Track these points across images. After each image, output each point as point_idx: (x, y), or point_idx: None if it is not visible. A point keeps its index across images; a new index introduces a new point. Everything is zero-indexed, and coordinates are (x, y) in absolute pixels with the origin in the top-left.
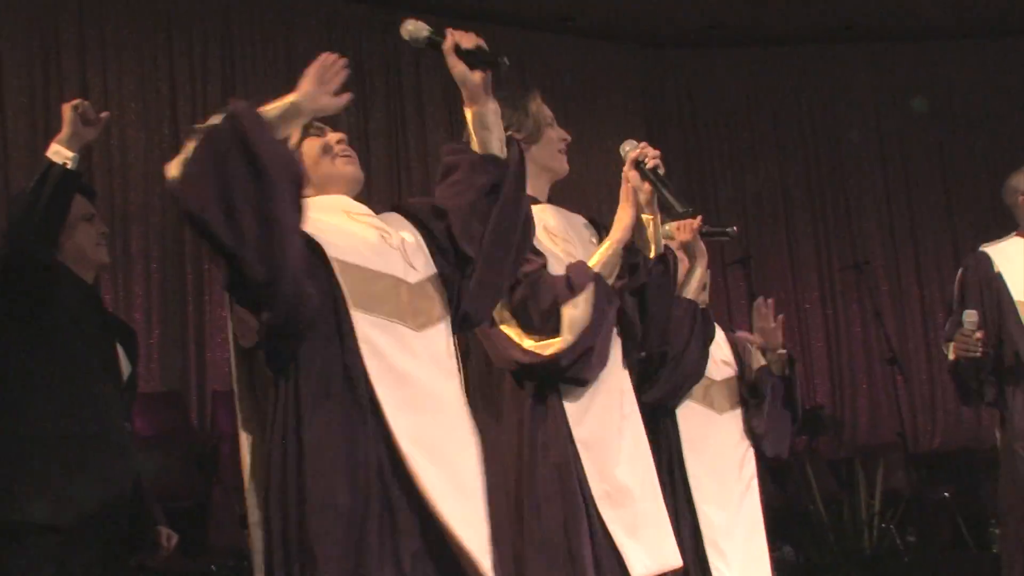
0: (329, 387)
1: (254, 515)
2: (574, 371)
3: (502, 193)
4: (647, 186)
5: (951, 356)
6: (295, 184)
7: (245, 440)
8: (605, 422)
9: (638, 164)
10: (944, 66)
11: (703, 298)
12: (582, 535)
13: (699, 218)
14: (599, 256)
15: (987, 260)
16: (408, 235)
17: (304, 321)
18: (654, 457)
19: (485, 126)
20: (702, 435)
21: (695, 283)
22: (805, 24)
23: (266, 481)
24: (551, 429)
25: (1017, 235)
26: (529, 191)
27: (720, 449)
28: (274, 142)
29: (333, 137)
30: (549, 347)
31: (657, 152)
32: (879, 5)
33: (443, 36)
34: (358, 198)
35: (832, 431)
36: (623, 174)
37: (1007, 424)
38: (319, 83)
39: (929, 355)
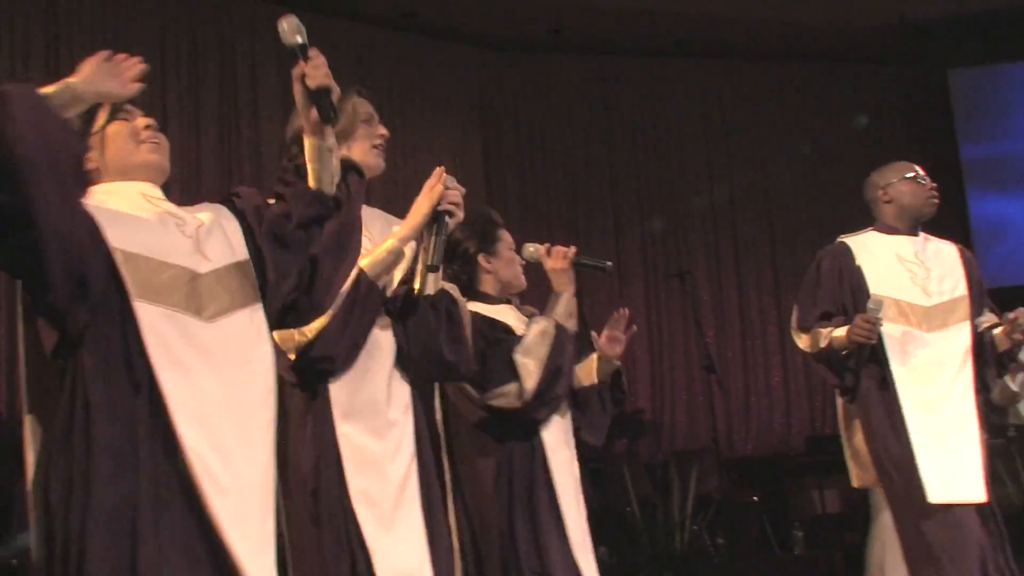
0: (110, 376)
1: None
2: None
3: (325, 231)
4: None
5: (822, 344)
6: (60, 162)
7: (30, 427)
8: (370, 422)
9: (436, 204)
10: (771, 85)
11: (571, 325)
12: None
13: (574, 248)
14: (374, 254)
15: (848, 251)
16: (209, 221)
17: (78, 302)
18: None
19: (318, 159)
20: (557, 441)
21: (561, 308)
22: (641, 37)
23: (46, 467)
24: (318, 424)
25: (874, 229)
26: None
27: (564, 453)
28: (40, 120)
29: (141, 122)
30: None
31: (460, 200)
32: (710, 24)
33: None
34: (188, 182)
35: (651, 435)
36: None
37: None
38: (101, 68)
39: (746, 364)
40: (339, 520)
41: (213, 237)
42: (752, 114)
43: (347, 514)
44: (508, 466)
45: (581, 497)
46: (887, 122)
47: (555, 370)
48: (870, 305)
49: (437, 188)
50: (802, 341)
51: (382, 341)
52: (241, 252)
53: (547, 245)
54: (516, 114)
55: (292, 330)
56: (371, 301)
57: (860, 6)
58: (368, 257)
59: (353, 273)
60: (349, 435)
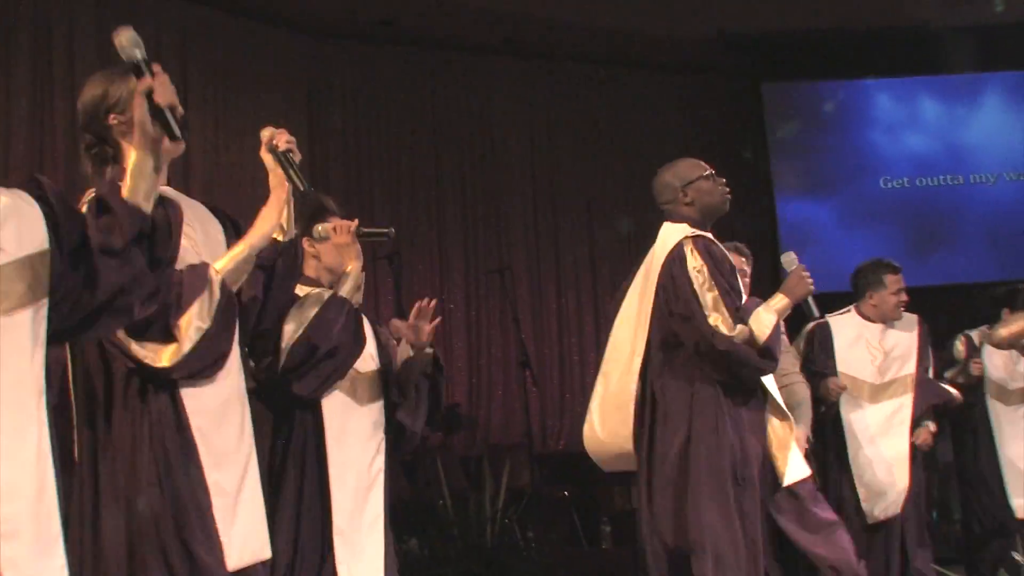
0: None
1: None
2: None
3: (145, 247)
4: (279, 170)
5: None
6: None
7: None
8: (223, 416)
9: (271, 148)
10: (595, 89)
11: (357, 298)
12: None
13: (356, 221)
14: (229, 258)
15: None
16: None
17: None
18: (287, 447)
19: (141, 175)
20: (344, 426)
21: (350, 283)
22: (470, 33)
23: None
24: (161, 418)
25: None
26: None
27: (357, 440)
28: None
29: None
30: (161, 356)
31: (292, 138)
32: (539, 25)
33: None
34: None
35: (467, 429)
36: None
37: None
38: None
39: (562, 361)
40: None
41: (14, 222)
42: (576, 115)
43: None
44: (283, 442)
45: (376, 486)
46: (704, 129)
47: (311, 344)
48: (785, 260)
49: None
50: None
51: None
52: (43, 243)
53: (333, 222)
54: (343, 103)
55: (155, 344)
56: (232, 309)
57: (683, 18)
58: (224, 262)
59: (217, 281)
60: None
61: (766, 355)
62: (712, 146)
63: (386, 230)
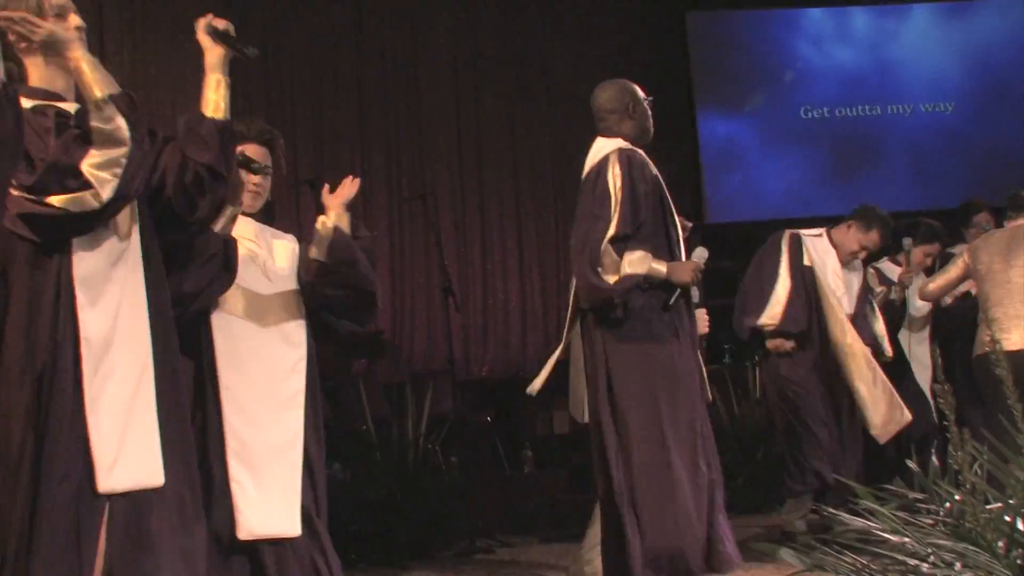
0: None
1: None
2: None
3: None
4: (218, 48)
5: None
6: None
7: None
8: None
9: (210, 29)
10: (519, 15)
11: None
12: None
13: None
14: (215, 101)
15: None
16: None
17: None
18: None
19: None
20: (237, 348)
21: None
22: None
23: None
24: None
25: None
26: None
27: (259, 363)
28: None
29: None
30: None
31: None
32: None
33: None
34: None
35: (390, 356)
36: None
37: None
38: None
39: (485, 287)
40: None
41: None
42: (500, 41)
43: None
44: None
45: (291, 409)
46: (628, 57)
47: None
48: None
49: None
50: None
51: None
52: None
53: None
54: (263, 25)
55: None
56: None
57: None
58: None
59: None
60: None
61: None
62: (636, 74)
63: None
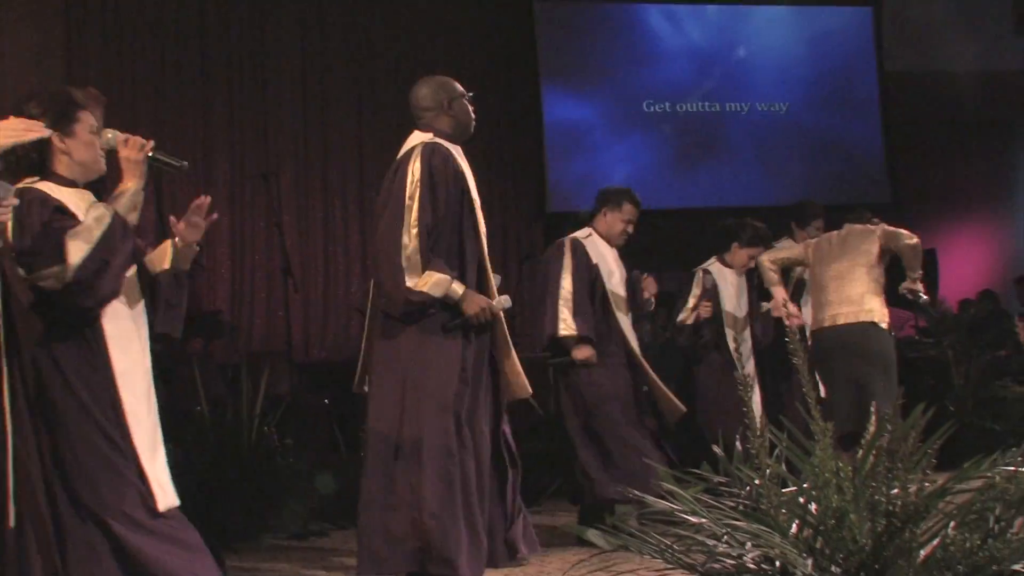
0: None
1: None
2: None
3: None
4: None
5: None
6: None
7: None
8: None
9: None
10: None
11: (132, 218)
12: None
13: (151, 141)
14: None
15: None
16: None
17: None
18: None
19: None
20: (119, 330)
21: (126, 201)
22: None
23: None
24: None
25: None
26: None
27: (137, 342)
28: None
29: None
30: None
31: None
32: None
33: None
34: None
35: (228, 337)
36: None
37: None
38: None
39: (327, 270)
40: None
41: None
42: (347, 21)
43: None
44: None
45: (153, 394)
46: (476, 42)
47: (102, 260)
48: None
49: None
50: None
51: None
52: None
53: (126, 135)
54: (103, 18)
55: None
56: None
57: None
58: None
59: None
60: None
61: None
62: (483, 59)
63: (180, 164)
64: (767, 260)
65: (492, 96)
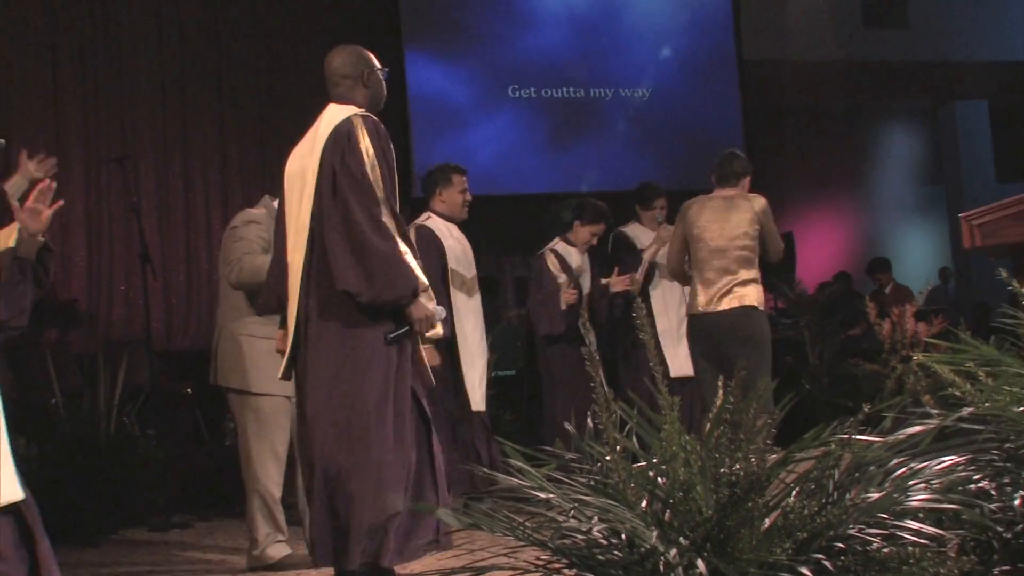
0: None
1: None
2: None
3: None
4: None
5: None
6: None
7: None
8: None
9: None
10: None
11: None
12: None
13: None
14: None
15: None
16: None
17: None
18: None
19: None
20: None
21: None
22: None
23: None
24: None
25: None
26: None
27: None
28: None
29: None
30: None
31: None
32: None
33: None
34: None
35: (86, 326)
36: None
37: None
38: None
39: (188, 256)
40: None
41: None
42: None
43: None
44: None
45: None
46: (339, 17)
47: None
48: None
49: None
50: None
51: None
52: None
53: None
54: None
55: None
56: None
57: None
58: None
59: None
60: None
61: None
62: (343, 24)
63: None
64: (670, 263)
65: None
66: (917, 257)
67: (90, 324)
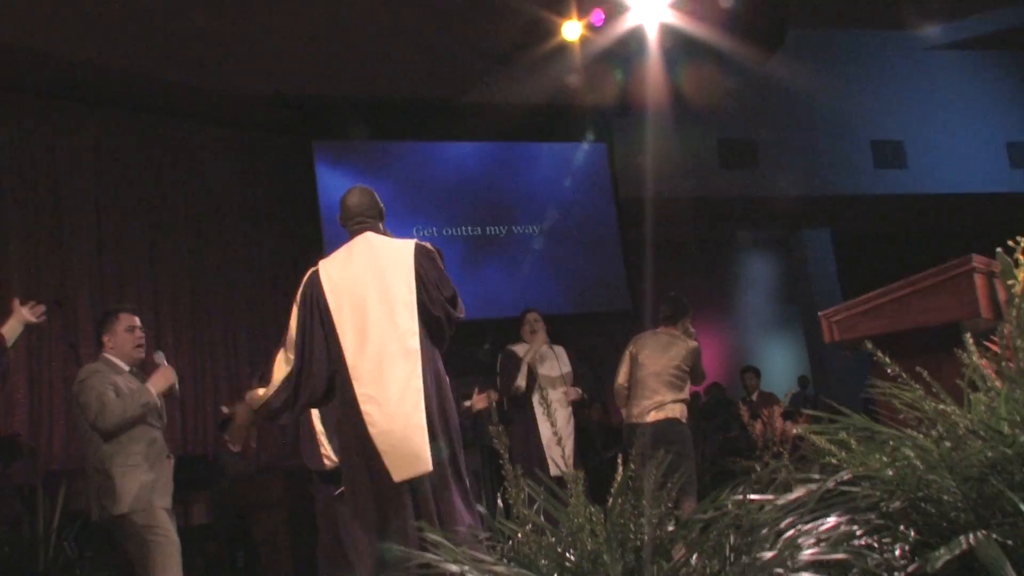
0: None
1: None
2: None
3: None
4: None
5: None
6: None
7: None
8: None
9: None
10: (157, 137)
11: None
12: None
13: None
14: None
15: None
16: None
17: None
18: None
19: None
20: None
21: None
22: (30, 77)
23: None
24: None
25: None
26: None
27: None
28: None
29: None
30: None
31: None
32: (96, 71)
33: None
34: None
35: (28, 458)
36: None
37: None
38: None
39: None
40: None
41: None
42: (140, 161)
43: None
44: None
45: None
46: (260, 180)
47: None
48: None
49: None
50: None
51: None
52: None
53: None
54: None
55: None
56: None
57: (240, 76)
58: None
59: None
60: None
61: None
62: (267, 197)
63: None
64: (618, 386)
65: (275, 229)
66: (778, 367)
67: (31, 456)
